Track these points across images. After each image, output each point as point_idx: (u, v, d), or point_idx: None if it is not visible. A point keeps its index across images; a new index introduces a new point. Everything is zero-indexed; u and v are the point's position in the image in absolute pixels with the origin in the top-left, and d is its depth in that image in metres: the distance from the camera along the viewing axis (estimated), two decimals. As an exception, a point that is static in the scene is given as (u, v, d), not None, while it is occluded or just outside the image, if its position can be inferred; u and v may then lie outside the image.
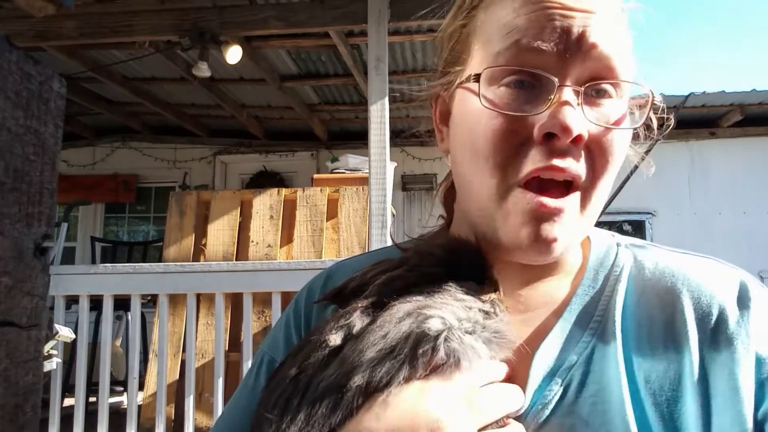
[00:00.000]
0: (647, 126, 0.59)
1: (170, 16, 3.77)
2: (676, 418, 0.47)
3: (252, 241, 3.46)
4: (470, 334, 0.47)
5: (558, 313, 0.55)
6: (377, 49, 3.25)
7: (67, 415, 2.98)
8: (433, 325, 0.45)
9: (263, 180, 6.45)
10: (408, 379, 0.44)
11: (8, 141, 0.45)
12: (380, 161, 3.11)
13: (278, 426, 0.45)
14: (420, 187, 6.32)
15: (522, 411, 0.49)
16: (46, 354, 2.46)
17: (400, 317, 0.46)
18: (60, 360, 2.82)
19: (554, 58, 0.49)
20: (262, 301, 3.17)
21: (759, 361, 0.48)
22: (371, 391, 0.44)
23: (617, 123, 0.52)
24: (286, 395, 0.46)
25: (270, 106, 5.95)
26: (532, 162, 0.50)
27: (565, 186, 0.51)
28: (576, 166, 0.50)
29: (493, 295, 0.51)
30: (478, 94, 0.52)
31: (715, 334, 0.49)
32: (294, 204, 3.51)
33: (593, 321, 0.53)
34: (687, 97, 4.49)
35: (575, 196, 0.51)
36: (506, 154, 0.51)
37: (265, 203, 3.52)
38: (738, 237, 5.88)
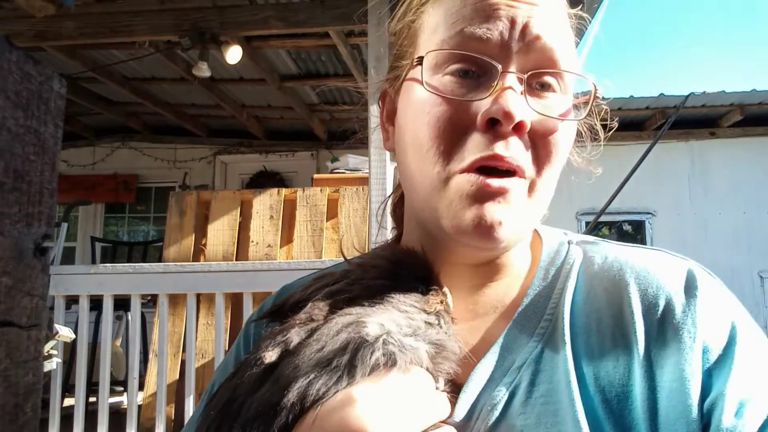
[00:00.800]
0: (591, 127, 0.60)
1: (170, 16, 3.77)
2: (626, 414, 0.46)
3: (252, 241, 3.46)
4: (411, 336, 0.45)
5: (508, 316, 0.54)
6: (377, 49, 3.25)
7: (67, 415, 2.98)
8: (371, 330, 0.44)
9: (263, 180, 6.46)
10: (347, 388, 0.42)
11: (8, 141, 0.45)
12: (380, 161, 3.11)
13: None
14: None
15: (464, 415, 0.48)
16: (46, 354, 2.46)
17: (337, 329, 0.44)
18: (60, 360, 2.82)
19: (498, 46, 0.50)
20: (262, 301, 3.16)
21: (705, 350, 0.47)
22: (307, 407, 0.42)
23: (562, 116, 0.52)
24: (218, 422, 0.44)
25: (270, 106, 5.95)
26: (476, 150, 0.49)
27: (508, 175, 0.50)
28: (519, 156, 0.49)
29: (438, 307, 0.49)
30: (421, 81, 0.52)
31: (662, 325, 0.49)
32: (294, 204, 3.51)
33: (543, 320, 0.52)
34: (687, 97, 4.48)
35: (520, 182, 0.50)
36: (449, 141, 0.50)
37: (265, 203, 3.52)
38: (738, 237, 5.88)
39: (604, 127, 0.63)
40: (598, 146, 0.65)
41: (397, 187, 0.68)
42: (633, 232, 6.10)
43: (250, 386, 0.44)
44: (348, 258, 0.58)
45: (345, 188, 3.51)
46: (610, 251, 0.57)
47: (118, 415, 3.40)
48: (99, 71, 4.89)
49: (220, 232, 3.52)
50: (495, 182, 0.49)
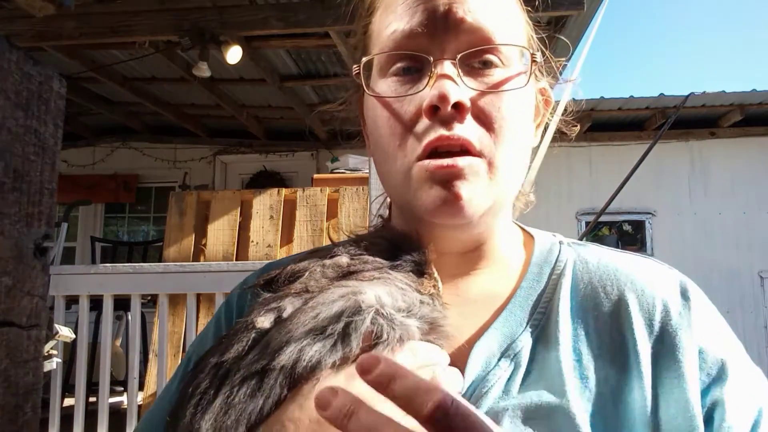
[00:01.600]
0: (545, 97, 0.62)
1: (170, 16, 3.77)
2: (619, 407, 0.48)
3: (252, 241, 3.46)
4: (406, 311, 0.45)
5: (501, 307, 0.56)
6: (377, 49, 3.25)
7: (67, 415, 2.98)
8: (367, 299, 0.44)
9: (263, 180, 6.45)
10: (342, 360, 0.42)
11: (8, 141, 0.45)
12: (380, 161, 3.11)
13: (191, 418, 0.41)
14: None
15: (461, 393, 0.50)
16: (46, 354, 2.46)
17: (333, 299, 0.44)
18: (60, 360, 2.82)
19: (427, 38, 0.52)
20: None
21: (701, 353, 0.50)
22: (299, 373, 0.41)
23: (499, 87, 0.53)
24: (205, 385, 0.43)
25: (270, 106, 5.94)
26: (424, 136, 0.52)
27: (462, 155, 0.52)
28: (465, 133, 0.51)
29: (432, 290, 0.51)
30: (365, 87, 0.55)
31: (660, 326, 0.51)
32: (294, 204, 3.51)
33: (537, 313, 0.54)
34: (687, 97, 4.48)
35: (474, 160, 0.52)
36: (402, 137, 0.53)
37: (265, 203, 3.52)
38: (738, 237, 5.88)
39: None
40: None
41: None
42: (633, 232, 6.09)
43: (239, 351, 0.43)
44: (336, 243, 0.59)
45: (345, 188, 3.51)
46: (603, 254, 0.59)
47: (118, 415, 3.40)
48: (99, 71, 4.89)
49: (220, 232, 3.52)
50: (446, 161, 0.51)
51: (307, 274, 0.49)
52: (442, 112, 0.50)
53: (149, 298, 3.80)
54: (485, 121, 0.52)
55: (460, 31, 0.52)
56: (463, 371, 0.51)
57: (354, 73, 0.60)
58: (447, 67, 0.51)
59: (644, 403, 0.48)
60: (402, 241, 0.54)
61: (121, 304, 3.55)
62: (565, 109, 0.68)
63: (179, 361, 3.46)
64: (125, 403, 3.67)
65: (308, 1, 3.63)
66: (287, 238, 3.52)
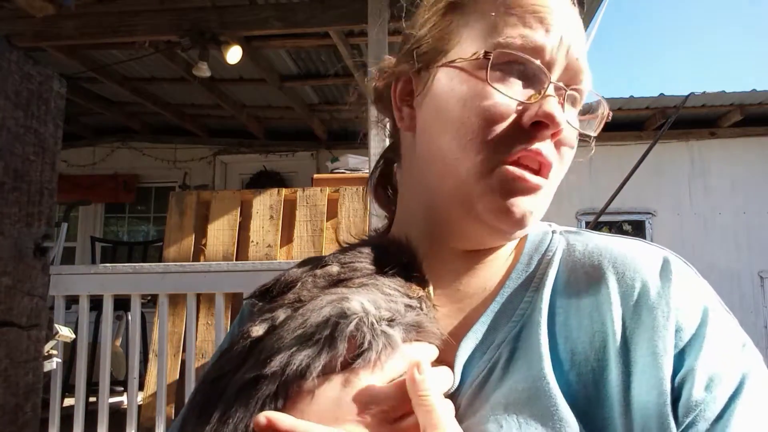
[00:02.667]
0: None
1: (170, 16, 3.77)
2: (600, 387, 0.49)
3: (252, 241, 3.46)
4: (388, 321, 0.47)
5: (491, 298, 0.58)
6: (377, 49, 3.25)
7: (67, 415, 2.98)
8: (353, 306, 0.46)
9: (263, 180, 6.45)
10: (330, 363, 0.44)
11: (8, 141, 0.45)
12: (380, 161, 3.11)
13: (192, 430, 0.44)
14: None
15: (452, 389, 0.52)
16: (46, 354, 2.46)
17: (321, 306, 0.46)
18: (60, 360, 2.82)
19: (548, 56, 0.55)
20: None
21: (678, 329, 0.50)
22: (290, 379, 0.43)
23: (578, 129, 0.59)
24: (205, 400, 0.45)
25: (270, 106, 5.94)
26: (520, 143, 0.54)
27: (537, 171, 0.56)
28: (552, 156, 0.55)
29: (420, 293, 0.53)
30: (472, 74, 0.56)
31: (638, 306, 0.52)
32: (294, 204, 3.51)
33: (523, 302, 0.56)
34: (687, 97, 4.48)
35: (546, 181, 0.56)
36: (496, 133, 0.54)
37: (265, 203, 3.52)
38: (738, 237, 5.88)
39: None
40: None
41: (376, 165, 0.73)
42: (633, 232, 6.09)
43: (235, 362, 0.45)
44: (342, 245, 0.62)
45: (345, 188, 3.50)
46: (591, 239, 0.61)
47: (118, 415, 3.40)
48: (99, 71, 4.89)
49: (220, 232, 3.52)
50: (533, 179, 0.55)
51: (299, 284, 0.51)
52: (544, 132, 0.54)
53: (149, 298, 3.80)
54: (561, 151, 0.57)
55: (570, 66, 0.57)
56: (453, 366, 0.53)
57: (470, 55, 0.58)
58: (554, 91, 0.55)
59: (618, 380, 0.49)
60: (390, 246, 0.56)
61: (121, 304, 3.55)
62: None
63: (179, 361, 3.46)
64: (125, 403, 3.67)
65: (308, 1, 3.63)
66: (287, 238, 3.52)
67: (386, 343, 0.46)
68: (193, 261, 3.44)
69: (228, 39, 3.95)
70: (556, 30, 0.55)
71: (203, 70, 4.12)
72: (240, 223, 3.55)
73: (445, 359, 0.53)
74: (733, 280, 5.69)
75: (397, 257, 0.54)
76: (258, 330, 0.46)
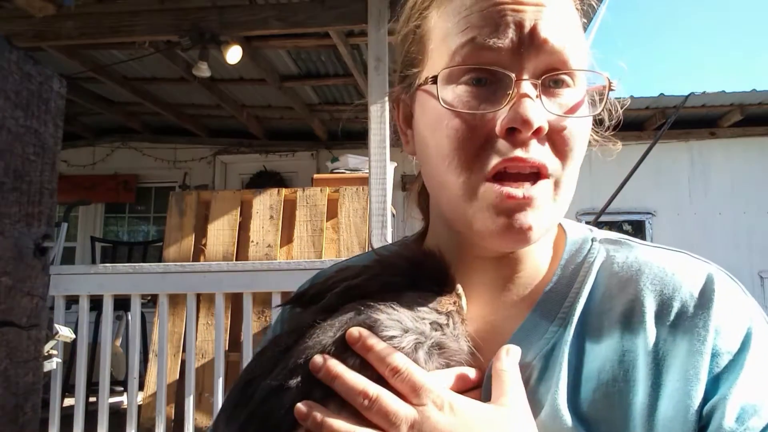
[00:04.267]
0: (609, 112, 0.61)
1: (170, 16, 3.77)
2: (625, 408, 0.48)
3: (252, 241, 3.46)
4: (413, 346, 0.48)
5: (524, 312, 0.56)
6: (377, 49, 3.25)
7: (67, 415, 2.98)
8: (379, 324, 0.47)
9: (263, 180, 6.45)
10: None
11: (8, 141, 0.45)
12: (380, 161, 3.11)
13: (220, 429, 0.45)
14: (420, 187, 6.30)
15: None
16: (46, 354, 2.46)
17: (346, 320, 0.47)
18: (60, 360, 2.82)
19: (509, 53, 0.51)
20: (262, 301, 3.17)
21: (715, 355, 0.48)
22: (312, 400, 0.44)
23: (574, 110, 0.53)
24: (234, 403, 0.47)
25: (270, 106, 5.94)
26: (497, 155, 0.51)
27: (533, 177, 0.52)
28: (540, 156, 0.51)
29: (450, 307, 0.52)
30: (436, 96, 0.53)
31: (674, 327, 0.50)
32: (294, 204, 3.51)
33: (557, 318, 0.54)
34: (687, 97, 4.48)
35: (545, 183, 0.52)
36: (470, 152, 0.52)
37: (265, 203, 3.52)
38: (738, 237, 5.88)
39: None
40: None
41: (418, 176, 0.69)
42: (633, 232, 6.09)
43: (265, 368, 0.47)
44: (376, 249, 0.61)
45: (345, 188, 3.50)
46: (633, 251, 0.58)
47: (118, 415, 3.40)
48: (99, 71, 4.89)
49: (220, 232, 3.52)
50: (519, 193, 0.50)
51: (328, 295, 0.51)
52: (521, 136, 0.50)
53: (149, 298, 3.80)
54: (557, 143, 0.52)
55: (541, 50, 0.51)
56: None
57: (413, 72, 0.58)
58: (527, 87, 0.50)
59: (644, 404, 0.47)
60: (422, 259, 0.55)
61: (121, 304, 3.55)
62: (600, 120, 0.66)
63: (179, 361, 3.47)
64: (125, 403, 3.67)
65: (308, 1, 3.63)
66: (287, 238, 3.52)
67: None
68: (193, 261, 3.44)
69: (228, 39, 3.95)
70: (513, 18, 0.51)
71: (203, 70, 4.12)
72: (240, 223, 3.55)
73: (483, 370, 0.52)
74: (733, 280, 5.67)
75: (429, 271, 0.54)
76: (288, 341, 0.48)
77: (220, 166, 6.86)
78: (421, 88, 0.56)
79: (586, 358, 0.51)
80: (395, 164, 3.98)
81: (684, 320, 0.50)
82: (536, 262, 0.60)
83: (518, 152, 0.50)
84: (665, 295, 0.52)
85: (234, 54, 4.03)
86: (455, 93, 0.52)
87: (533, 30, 0.51)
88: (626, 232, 6.11)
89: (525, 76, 0.51)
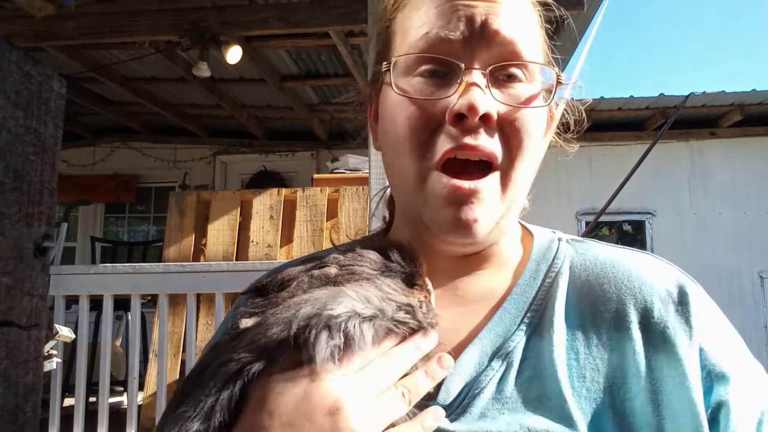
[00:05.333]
0: (571, 113, 0.63)
1: (170, 16, 3.77)
2: (618, 403, 0.48)
3: (252, 241, 3.46)
4: (370, 319, 0.45)
5: (496, 306, 0.56)
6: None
7: (67, 415, 2.98)
8: (338, 309, 0.44)
9: (263, 180, 6.45)
10: (299, 357, 0.43)
11: (8, 141, 0.45)
12: (380, 161, 3.11)
13: (165, 417, 0.43)
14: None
15: (450, 399, 0.50)
16: (46, 354, 2.46)
17: (306, 299, 0.45)
18: (60, 360, 2.82)
19: (460, 45, 0.53)
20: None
21: (702, 352, 0.49)
22: (263, 371, 0.42)
23: (527, 103, 0.54)
24: (187, 390, 0.44)
25: (270, 106, 5.94)
26: (446, 143, 0.52)
27: (483, 167, 0.53)
28: (489, 144, 0.52)
29: (422, 298, 0.51)
30: (391, 84, 0.55)
31: (658, 325, 0.51)
32: (294, 204, 3.51)
33: (531, 311, 0.54)
34: (687, 97, 4.48)
35: (494, 177, 0.53)
36: (421, 139, 0.53)
37: (265, 203, 3.52)
38: (738, 237, 5.88)
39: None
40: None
41: None
42: (633, 232, 6.09)
43: (218, 354, 0.45)
44: (337, 246, 0.60)
45: (345, 188, 3.50)
46: (601, 251, 0.59)
47: (118, 415, 3.40)
48: (99, 71, 4.89)
49: (220, 232, 3.52)
50: (466, 184, 0.51)
51: (295, 283, 0.49)
52: (468, 122, 0.51)
53: (149, 298, 3.80)
54: (507, 134, 0.53)
55: (493, 43, 0.53)
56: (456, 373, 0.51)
57: (381, 68, 0.59)
58: (477, 76, 0.52)
59: (645, 402, 0.48)
60: (393, 251, 0.54)
61: (121, 304, 3.54)
62: (566, 124, 0.67)
63: (179, 361, 3.46)
64: (125, 403, 3.67)
65: (308, 1, 3.63)
66: (287, 238, 3.52)
67: (352, 340, 0.44)
68: (193, 261, 3.44)
69: (228, 39, 3.95)
70: (464, 12, 0.53)
71: (203, 70, 4.12)
72: (240, 223, 3.55)
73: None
74: (733, 280, 5.69)
75: (400, 263, 0.52)
76: (246, 323, 0.46)
77: (220, 166, 6.86)
78: (384, 81, 0.58)
79: (571, 354, 0.51)
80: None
81: (667, 319, 0.51)
82: (502, 260, 0.60)
83: (467, 139, 0.51)
84: (645, 295, 0.53)
85: (234, 54, 4.03)
86: (410, 83, 0.54)
87: (484, 22, 0.52)
88: (626, 232, 6.12)
89: (475, 66, 0.52)
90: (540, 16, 0.60)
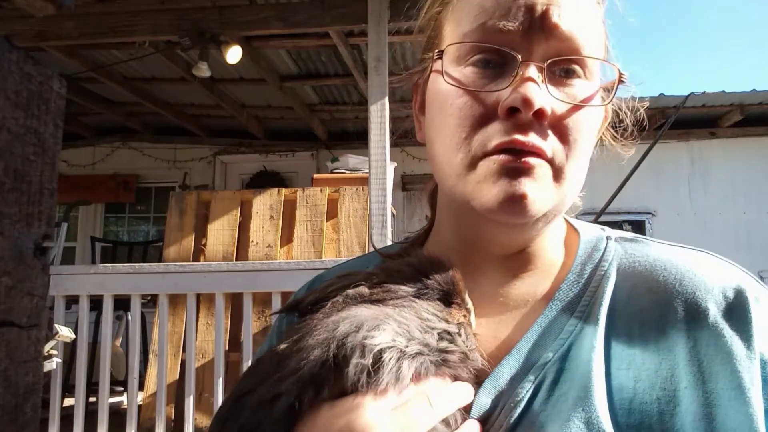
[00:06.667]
0: (620, 118, 0.62)
1: (170, 16, 3.77)
2: (666, 418, 0.45)
3: (252, 241, 3.46)
4: (414, 356, 0.44)
5: (538, 311, 0.54)
6: (377, 49, 3.25)
7: (67, 415, 2.98)
8: (380, 339, 0.43)
9: (263, 180, 6.45)
10: (340, 390, 0.42)
11: (8, 141, 0.45)
12: (380, 161, 3.11)
13: None
14: (420, 187, 6.31)
15: (487, 409, 0.48)
16: (46, 354, 2.46)
17: (346, 331, 0.44)
18: (60, 360, 2.82)
19: (518, 36, 0.50)
20: (262, 301, 3.17)
21: (764, 363, 0.46)
22: (304, 400, 0.42)
23: (584, 102, 0.52)
24: (226, 415, 0.45)
25: (270, 106, 5.94)
26: (497, 137, 0.50)
27: (531, 155, 0.50)
28: (539, 141, 0.49)
29: (462, 319, 0.49)
30: (442, 72, 0.53)
31: (712, 333, 0.47)
32: (294, 204, 3.51)
33: (573, 318, 0.51)
34: (687, 97, 4.48)
35: (545, 164, 0.50)
36: (471, 130, 0.51)
37: (265, 203, 3.52)
38: (738, 237, 5.88)
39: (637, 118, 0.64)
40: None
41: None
42: (633, 232, 6.09)
43: (258, 381, 0.45)
44: (379, 249, 0.60)
45: (345, 188, 3.51)
46: (653, 250, 0.56)
47: (118, 415, 3.40)
48: (99, 71, 4.89)
49: (220, 232, 3.52)
50: (522, 158, 0.49)
51: (330, 303, 0.48)
52: (521, 117, 0.49)
53: (149, 298, 3.80)
54: (561, 132, 0.51)
55: (551, 36, 0.50)
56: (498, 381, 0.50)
57: (430, 56, 0.58)
58: (533, 70, 0.50)
59: (697, 415, 0.45)
60: (430, 267, 0.52)
61: (121, 304, 3.55)
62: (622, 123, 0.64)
63: (179, 361, 3.46)
64: (125, 403, 3.67)
65: (308, 1, 3.63)
66: (287, 238, 3.52)
67: (397, 375, 0.43)
68: (193, 261, 3.44)
69: (228, 39, 3.95)
70: (524, 2, 0.50)
71: (203, 70, 4.12)
72: (240, 223, 3.55)
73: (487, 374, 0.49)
74: (733, 280, 5.67)
75: (437, 281, 0.50)
76: (283, 348, 0.45)
77: (220, 166, 6.86)
78: (434, 69, 0.56)
79: (618, 364, 0.48)
80: (395, 164, 3.98)
81: (723, 326, 0.47)
82: (547, 260, 0.58)
83: (517, 135, 0.49)
84: (698, 299, 0.49)
85: (234, 54, 4.03)
86: (462, 73, 0.52)
87: (544, 14, 0.50)
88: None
89: (532, 59, 0.50)
90: (601, 9, 0.57)
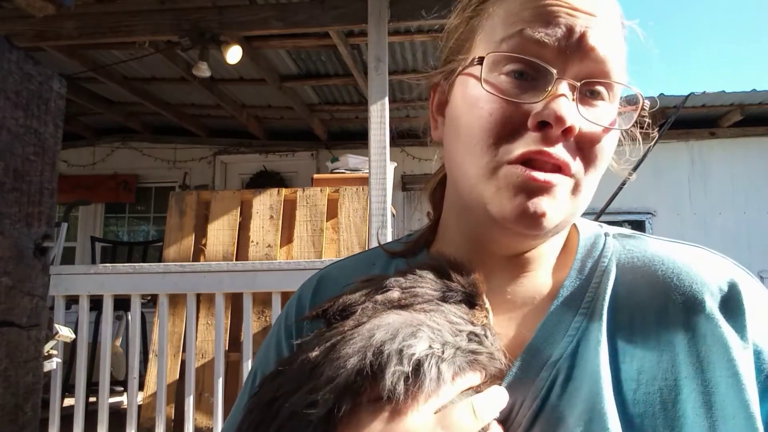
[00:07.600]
0: (632, 136, 0.63)
1: (170, 16, 3.77)
2: (669, 407, 0.47)
3: (252, 241, 3.46)
4: (451, 360, 0.46)
5: (544, 309, 0.55)
6: (377, 49, 3.25)
7: (67, 415, 2.98)
8: (418, 347, 0.44)
9: (263, 180, 6.45)
10: (379, 392, 0.43)
11: (8, 141, 0.45)
12: (380, 161, 3.11)
13: None
14: (420, 187, 6.29)
15: (506, 406, 0.50)
16: (46, 354, 2.46)
17: (383, 339, 0.44)
18: (60, 360, 2.82)
19: (555, 52, 0.52)
20: (262, 301, 3.17)
21: (757, 353, 0.48)
22: (342, 408, 0.42)
23: (609, 124, 0.54)
24: (258, 421, 0.45)
25: (270, 106, 5.94)
26: (524, 145, 0.51)
27: (555, 170, 0.52)
28: (565, 155, 0.51)
29: (484, 320, 0.51)
30: (479, 78, 0.54)
31: (709, 324, 0.50)
32: (294, 204, 3.51)
33: (578, 314, 0.53)
34: (687, 97, 4.48)
35: (566, 179, 0.52)
36: (499, 136, 0.52)
37: (265, 203, 3.52)
38: (738, 237, 5.88)
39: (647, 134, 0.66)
40: (654, 144, 0.68)
41: (437, 172, 0.71)
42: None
43: (291, 385, 0.45)
44: (383, 245, 0.62)
45: (345, 188, 3.51)
46: (650, 245, 0.58)
47: (118, 415, 3.40)
48: (99, 71, 4.89)
49: (220, 232, 3.52)
50: (541, 176, 0.51)
51: (360, 310, 0.49)
52: (551, 132, 0.50)
53: (149, 298, 3.80)
54: (584, 149, 0.53)
55: (587, 57, 0.52)
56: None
57: (459, 59, 0.59)
58: (565, 88, 0.51)
59: (697, 402, 0.47)
60: (451, 270, 0.54)
61: (121, 304, 3.55)
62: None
63: (179, 361, 3.47)
64: (125, 403, 3.67)
65: (308, 1, 3.63)
66: (287, 238, 3.52)
67: (438, 380, 0.45)
68: (193, 261, 3.44)
69: (228, 39, 3.95)
70: (565, 20, 0.52)
71: (203, 70, 4.12)
72: (240, 223, 3.55)
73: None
74: (733, 280, 5.68)
75: (459, 283, 0.52)
76: (317, 356, 0.45)
77: (220, 166, 6.86)
78: (464, 72, 0.57)
79: (622, 357, 0.50)
80: (395, 164, 3.98)
81: (718, 318, 0.50)
82: (551, 260, 0.60)
83: (546, 147, 0.51)
84: (695, 292, 0.52)
85: (234, 54, 4.03)
86: (497, 81, 0.53)
87: (583, 36, 0.52)
88: (626, 232, 6.12)
89: (566, 77, 0.52)
90: (625, 37, 0.59)
